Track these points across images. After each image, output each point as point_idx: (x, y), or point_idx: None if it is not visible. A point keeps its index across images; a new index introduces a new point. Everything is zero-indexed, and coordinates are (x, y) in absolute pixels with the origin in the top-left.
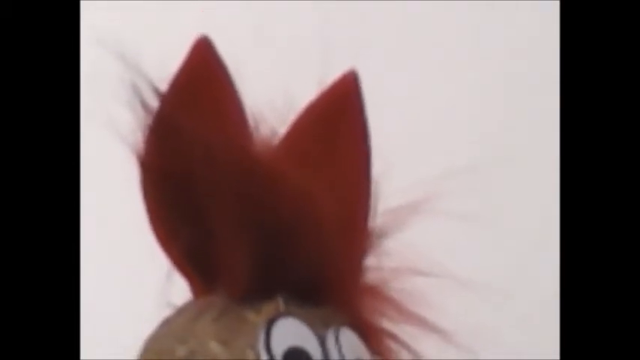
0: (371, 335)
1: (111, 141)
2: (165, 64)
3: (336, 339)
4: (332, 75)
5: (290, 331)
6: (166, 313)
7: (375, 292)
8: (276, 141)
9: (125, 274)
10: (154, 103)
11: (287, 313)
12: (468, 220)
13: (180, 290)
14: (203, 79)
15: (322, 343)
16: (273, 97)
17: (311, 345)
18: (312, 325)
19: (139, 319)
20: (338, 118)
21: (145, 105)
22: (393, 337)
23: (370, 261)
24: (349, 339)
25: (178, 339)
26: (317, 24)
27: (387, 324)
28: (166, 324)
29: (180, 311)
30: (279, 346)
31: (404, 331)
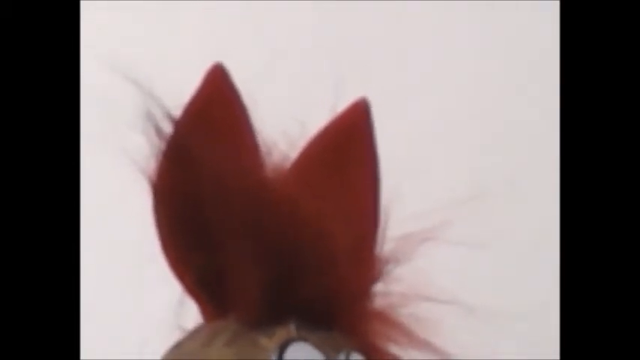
0: None
1: (124, 166)
2: (179, 91)
3: None
4: (344, 102)
5: (302, 355)
6: (178, 336)
7: (384, 318)
8: (287, 167)
9: (137, 298)
10: (168, 129)
11: (299, 338)
12: (475, 247)
13: (191, 314)
14: (217, 106)
15: None
16: (285, 124)
17: None
18: (323, 349)
19: (152, 342)
20: (348, 145)
21: (158, 131)
22: None
23: (379, 287)
24: None
25: None
26: (329, 52)
27: (395, 349)
28: (178, 347)
29: (192, 335)
30: None
31: (412, 356)
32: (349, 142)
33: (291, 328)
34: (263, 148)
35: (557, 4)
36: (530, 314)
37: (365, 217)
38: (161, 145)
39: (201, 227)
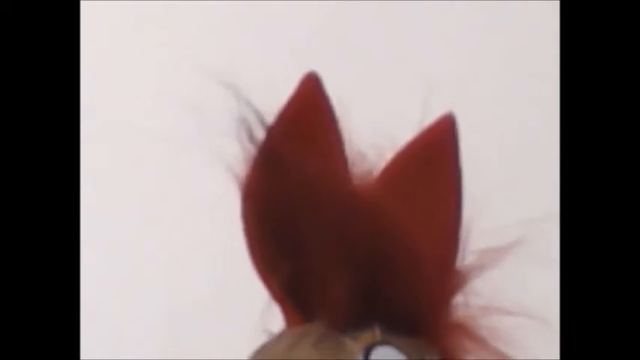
0: None
1: (216, 171)
2: (273, 98)
3: None
4: (431, 117)
5: (387, 358)
6: (263, 340)
7: (463, 330)
8: (374, 177)
9: (223, 303)
10: (261, 135)
11: (383, 342)
12: (554, 263)
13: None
14: (309, 114)
15: None
16: (374, 135)
17: None
18: (407, 353)
19: (236, 346)
20: (434, 159)
21: (251, 137)
22: None
23: (459, 299)
24: None
25: None
26: (419, 67)
27: None
28: (264, 350)
29: (278, 338)
30: None
31: None
32: (435, 156)
33: (377, 332)
34: (351, 158)
35: (557, 4)
36: None
37: (448, 230)
38: (253, 151)
39: (290, 234)
